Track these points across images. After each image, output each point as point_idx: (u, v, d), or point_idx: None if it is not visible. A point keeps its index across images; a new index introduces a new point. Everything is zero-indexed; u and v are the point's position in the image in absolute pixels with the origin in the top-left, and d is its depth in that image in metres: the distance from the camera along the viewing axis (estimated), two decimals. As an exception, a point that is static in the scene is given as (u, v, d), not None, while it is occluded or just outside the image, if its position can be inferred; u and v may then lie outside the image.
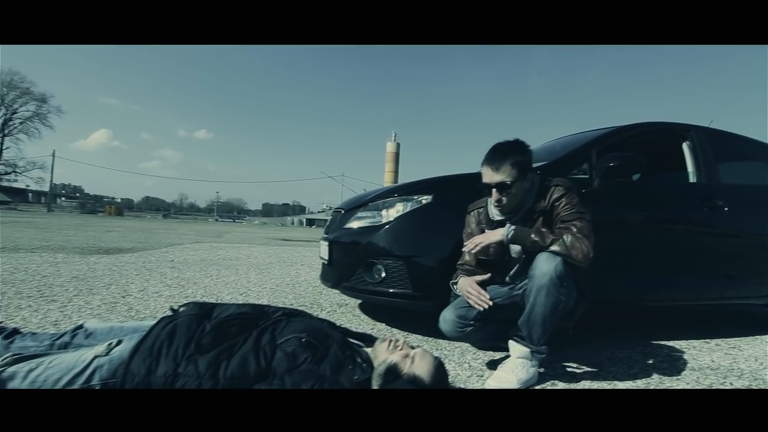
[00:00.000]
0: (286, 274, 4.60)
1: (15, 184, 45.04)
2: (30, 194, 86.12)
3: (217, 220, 71.78)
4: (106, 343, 1.32)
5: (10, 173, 40.00)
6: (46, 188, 45.81)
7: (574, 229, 1.56)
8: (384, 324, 2.50)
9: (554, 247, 1.53)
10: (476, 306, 1.59)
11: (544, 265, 1.51)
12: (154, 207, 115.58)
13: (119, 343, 1.30)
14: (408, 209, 2.12)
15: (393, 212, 2.16)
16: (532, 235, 1.58)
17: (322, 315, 2.71)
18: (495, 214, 1.75)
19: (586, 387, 1.68)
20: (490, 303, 1.57)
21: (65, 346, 1.45)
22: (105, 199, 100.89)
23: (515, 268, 1.75)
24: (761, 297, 2.71)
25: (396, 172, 78.38)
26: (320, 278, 2.71)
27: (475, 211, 1.85)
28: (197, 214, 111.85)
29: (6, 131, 37.88)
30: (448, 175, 2.33)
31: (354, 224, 2.29)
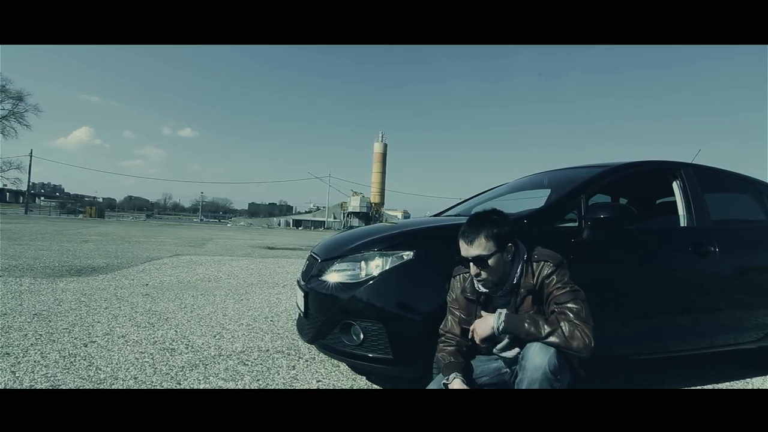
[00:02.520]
0: (266, 302, 4.43)
1: (-9, 184, 43.65)
2: (7, 194, 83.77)
3: (201, 220, 70.71)
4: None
5: (-16, 174, 38.67)
6: (23, 188, 44.49)
7: (571, 315, 1.43)
8: (364, 379, 2.37)
9: (552, 339, 1.41)
10: None
11: (537, 358, 1.39)
12: (137, 207, 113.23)
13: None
14: (388, 266, 1.98)
15: (372, 267, 2.02)
16: (526, 325, 1.45)
17: (301, 363, 2.57)
18: (478, 286, 1.64)
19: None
20: None
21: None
22: (86, 199, 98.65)
23: (504, 341, 1.63)
24: (752, 341, 2.64)
25: (383, 172, 78.37)
26: (297, 328, 2.56)
27: (461, 276, 1.73)
28: (182, 213, 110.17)
29: (-20, 130, 36.56)
30: (432, 226, 2.21)
31: (331, 277, 2.15)
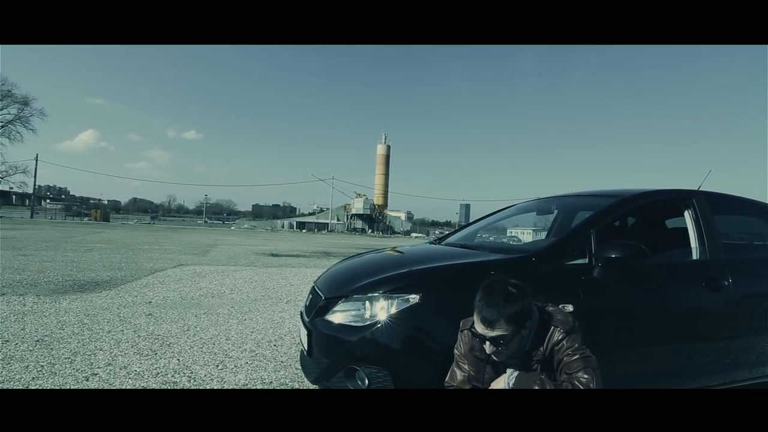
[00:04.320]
0: (269, 322, 4.39)
1: (-2, 187, 43.97)
2: (14, 196, 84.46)
3: (206, 222, 71.01)
4: None
5: (-9, 177, 38.93)
6: (30, 191, 44.81)
7: (581, 387, 1.38)
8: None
9: None
10: None
11: None
12: (141, 209, 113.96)
13: None
14: (394, 310, 1.93)
15: (377, 310, 1.97)
16: (536, 387, 1.42)
17: (303, 397, 2.53)
18: (492, 357, 1.56)
19: None
20: None
21: None
22: (91, 201, 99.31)
23: None
24: (767, 375, 2.57)
25: (386, 174, 78.35)
26: (300, 365, 2.51)
27: (469, 332, 1.63)
28: (186, 215, 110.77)
29: (-13, 135, 36.83)
30: (439, 266, 2.16)
31: (335, 318, 2.10)
